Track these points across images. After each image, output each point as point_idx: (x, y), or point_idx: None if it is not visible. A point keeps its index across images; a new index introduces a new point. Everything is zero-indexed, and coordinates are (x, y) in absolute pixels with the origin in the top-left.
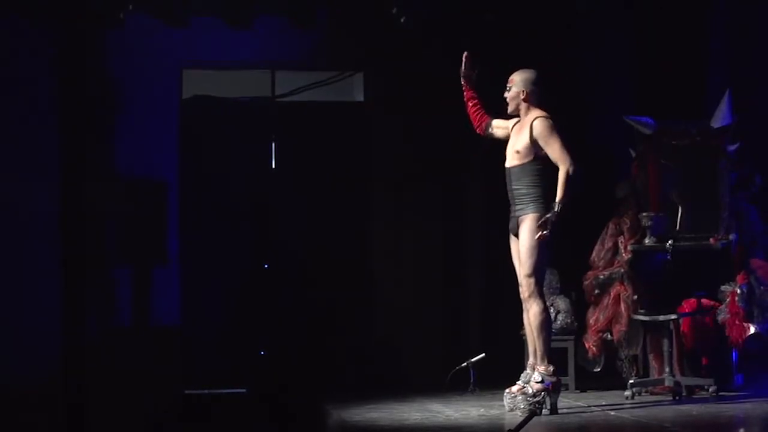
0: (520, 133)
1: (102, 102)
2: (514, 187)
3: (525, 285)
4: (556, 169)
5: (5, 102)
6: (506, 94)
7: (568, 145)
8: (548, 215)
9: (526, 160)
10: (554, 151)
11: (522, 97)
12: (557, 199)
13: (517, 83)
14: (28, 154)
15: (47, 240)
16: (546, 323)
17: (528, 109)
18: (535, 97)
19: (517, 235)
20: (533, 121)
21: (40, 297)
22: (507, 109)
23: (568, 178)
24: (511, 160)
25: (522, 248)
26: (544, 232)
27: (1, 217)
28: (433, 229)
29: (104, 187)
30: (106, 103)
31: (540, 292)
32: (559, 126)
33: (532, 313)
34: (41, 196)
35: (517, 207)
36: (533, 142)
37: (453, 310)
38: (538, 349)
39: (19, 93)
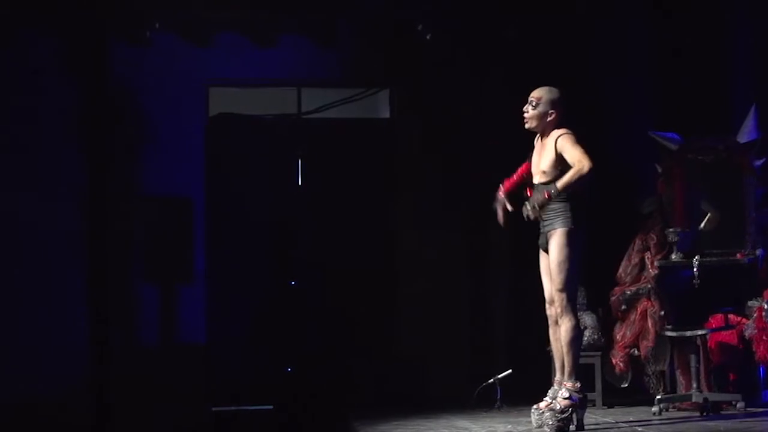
0: (544, 151)
1: (128, 120)
2: None
3: (558, 300)
4: None
5: (33, 121)
6: (528, 110)
7: (589, 152)
8: (539, 196)
9: (552, 177)
10: (574, 155)
11: (550, 118)
12: (559, 183)
13: (545, 102)
14: (55, 173)
15: (74, 258)
16: (576, 340)
17: (552, 129)
18: (562, 119)
19: (546, 251)
20: (558, 137)
21: (66, 315)
22: (524, 125)
23: (581, 172)
24: (539, 178)
25: (552, 264)
26: (529, 211)
27: (29, 236)
28: (459, 244)
29: (130, 205)
30: (132, 121)
31: (573, 308)
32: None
33: (563, 329)
34: (68, 215)
35: (546, 222)
36: (559, 157)
37: (479, 326)
38: (566, 365)
39: (45, 111)
